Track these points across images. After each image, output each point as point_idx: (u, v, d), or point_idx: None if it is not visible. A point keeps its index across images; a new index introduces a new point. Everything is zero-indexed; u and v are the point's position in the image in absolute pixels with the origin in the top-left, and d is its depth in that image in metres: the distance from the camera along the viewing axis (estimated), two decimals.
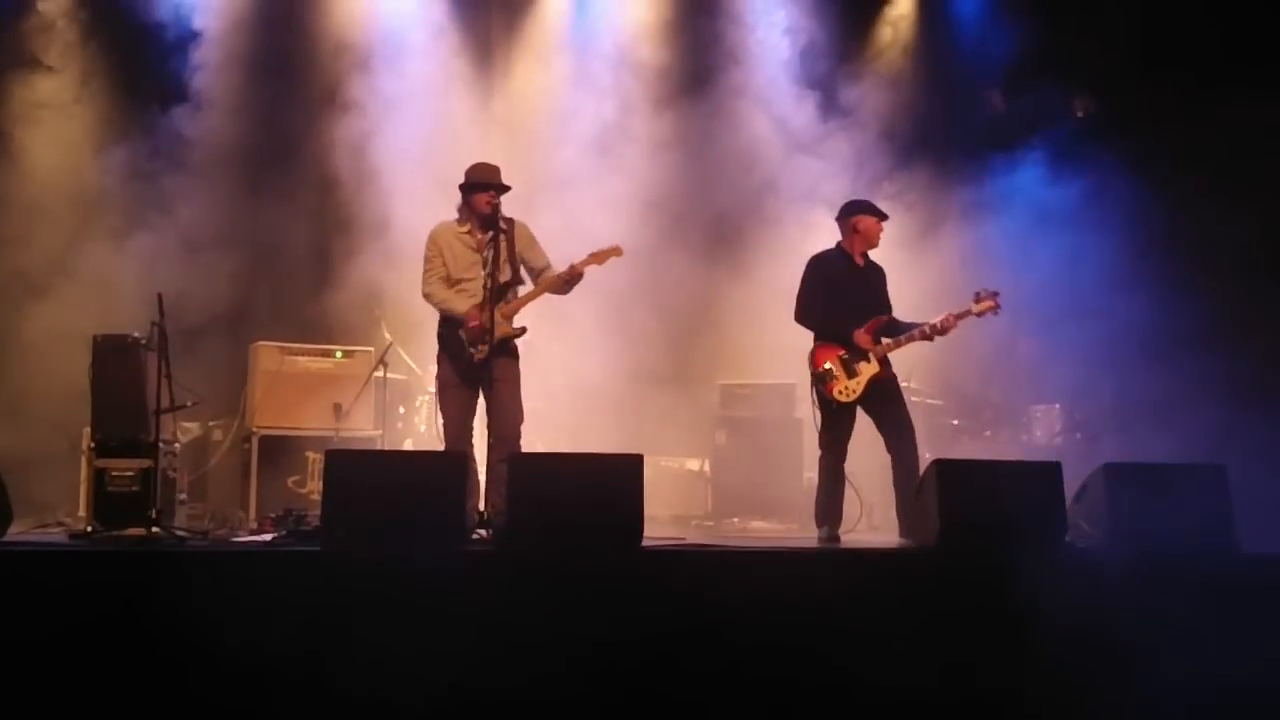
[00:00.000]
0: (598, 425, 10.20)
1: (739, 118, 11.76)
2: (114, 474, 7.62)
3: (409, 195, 10.52)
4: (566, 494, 6.66)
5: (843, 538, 8.18)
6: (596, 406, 10.40)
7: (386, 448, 9.61)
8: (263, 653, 5.89)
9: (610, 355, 10.57)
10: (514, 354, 8.06)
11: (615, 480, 6.75)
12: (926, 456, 8.10)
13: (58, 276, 10.07)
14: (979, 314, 8.30)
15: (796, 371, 10.41)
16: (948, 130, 11.92)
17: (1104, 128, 11.19)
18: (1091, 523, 7.17)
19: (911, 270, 9.70)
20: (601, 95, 11.67)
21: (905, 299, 8.71)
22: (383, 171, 10.81)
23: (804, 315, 8.45)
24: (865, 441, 8.39)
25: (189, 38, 10.86)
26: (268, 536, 7.49)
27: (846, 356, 8.26)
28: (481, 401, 8.08)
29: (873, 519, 8.70)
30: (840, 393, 8.22)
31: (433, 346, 8.26)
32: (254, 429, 9.38)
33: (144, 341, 7.98)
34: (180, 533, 7.50)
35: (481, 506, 7.47)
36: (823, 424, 8.33)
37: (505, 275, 7.99)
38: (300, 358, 9.74)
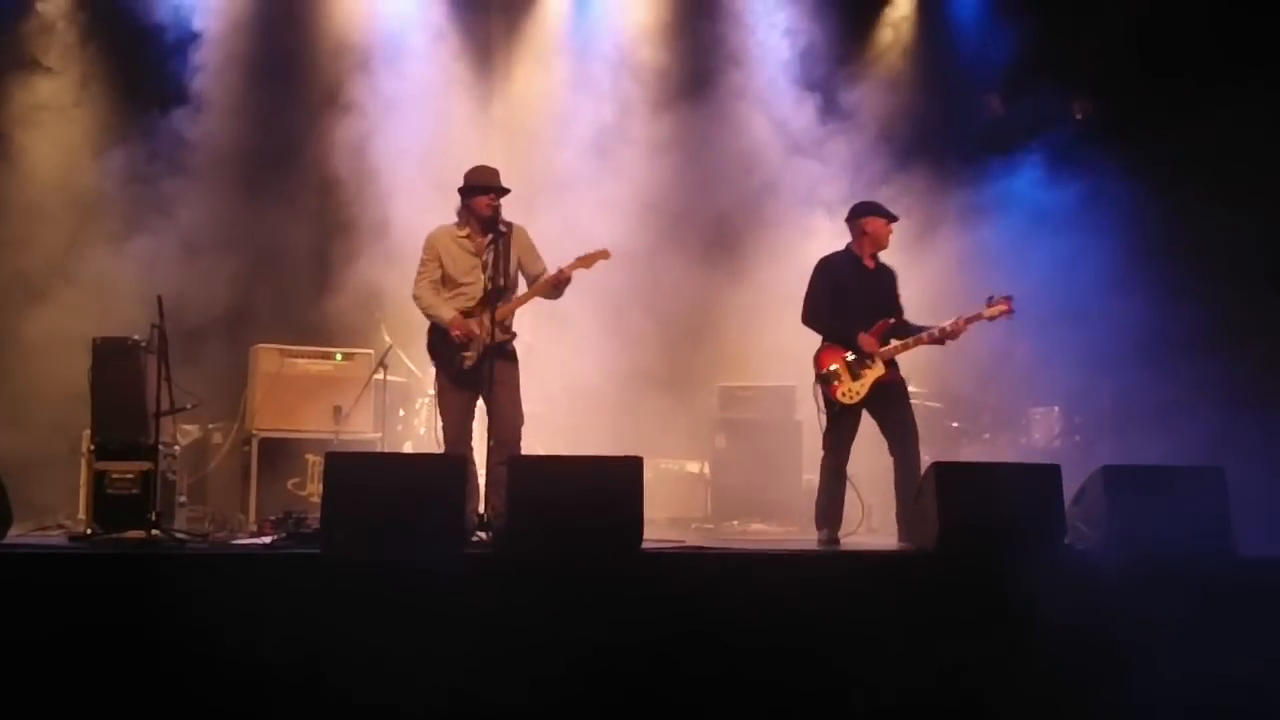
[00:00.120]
0: (597, 428, 10.21)
1: (739, 120, 11.76)
2: (114, 476, 7.61)
3: (409, 197, 10.52)
4: (566, 497, 6.65)
5: (843, 540, 8.19)
6: (596, 409, 10.41)
7: (386, 450, 9.61)
8: (262, 655, 5.90)
9: (610, 357, 10.58)
10: (512, 357, 8.07)
11: (615, 483, 6.75)
12: (925, 459, 8.10)
13: (58, 279, 10.08)
14: (990, 318, 8.29)
15: (796, 374, 10.43)
16: (947, 133, 11.92)
17: (1103, 131, 11.19)
18: (1090, 525, 7.18)
19: (910, 273, 9.66)
20: (601, 97, 11.67)
21: (904, 301, 8.70)
22: (382, 173, 10.81)
23: (811, 317, 8.44)
24: (865, 443, 8.39)
25: (188, 40, 10.85)
26: (267, 539, 7.49)
27: (852, 359, 8.25)
28: (481, 404, 8.09)
29: (871, 521, 8.70)
30: (844, 395, 8.22)
31: None
32: (254, 431, 9.38)
33: (144, 344, 7.98)
34: (180, 535, 7.50)
35: (481, 509, 7.48)
36: (826, 426, 8.32)
37: (504, 279, 8.00)
38: (300, 360, 9.74)
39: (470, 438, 8.04)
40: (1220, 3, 10.53)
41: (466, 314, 7.99)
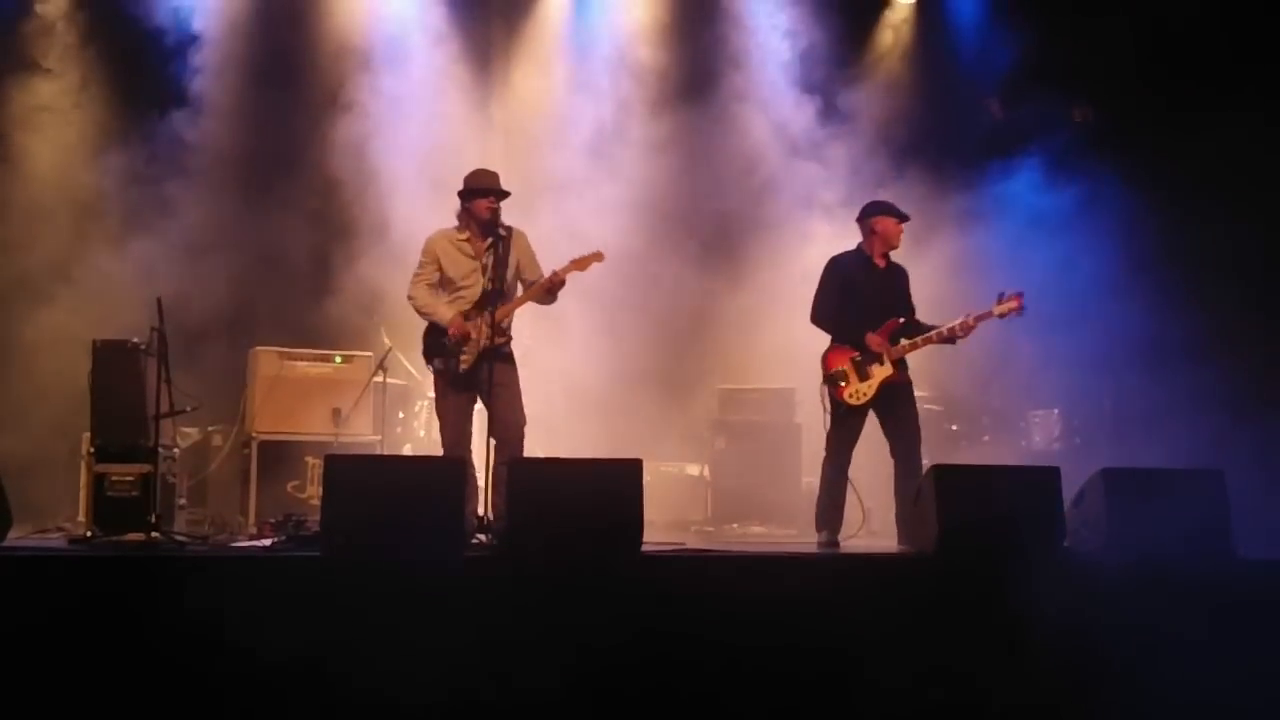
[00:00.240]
0: (597, 430, 10.19)
1: (739, 121, 11.76)
2: (114, 479, 7.61)
3: (408, 199, 10.53)
4: (566, 499, 6.65)
5: (842, 543, 8.18)
6: (596, 411, 10.40)
7: (386, 453, 9.61)
8: (262, 658, 5.89)
9: (609, 359, 10.58)
10: (510, 360, 8.07)
11: (615, 485, 6.75)
12: (925, 462, 8.11)
13: (57, 281, 10.08)
14: (1000, 315, 8.25)
15: (795, 376, 10.46)
16: (946, 136, 11.92)
17: (1101, 136, 11.20)
18: (1090, 527, 7.17)
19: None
20: (601, 99, 11.67)
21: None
22: (382, 175, 10.82)
23: (819, 317, 8.43)
24: (865, 444, 8.38)
25: (188, 42, 10.85)
26: (267, 541, 7.49)
27: (859, 359, 8.23)
28: (481, 407, 8.09)
29: (871, 524, 8.70)
30: (851, 396, 8.20)
31: None
32: (253, 434, 9.38)
33: (144, 347, 7.98)
34: (180, 538, 7.51)
35: (481, 511, 7.48)
36: (831, 426, 8.30)
37: (503, 282, 7.99)
38: (300, 363, 9.74)
39: (469, 441, 8.04)
40: (1219, 10, 10.53)
41: (464, 317, 7.98)
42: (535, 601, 6.25)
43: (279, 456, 9.31)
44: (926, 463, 8.01)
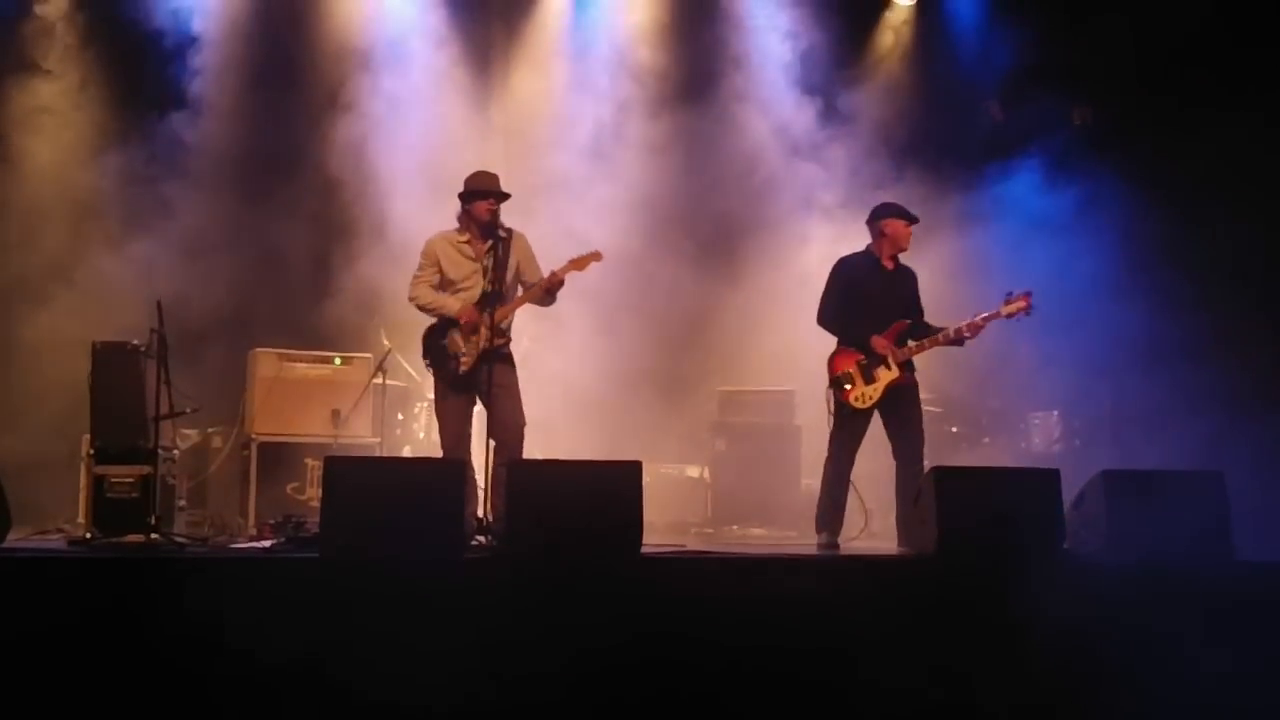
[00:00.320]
0: (596, 432, 10.20)
1: (739, 123, 11.76)
2: (113, 480, 7.61)
3: (408, 200, 10.54)
4: (566, 501, 6.64)
5: (843, 545, 8.17)
6: (595, 413, 10.40)
7: (385, 454, 9.61)
8: (262, 659, 5.89)
9: (609, 361, 10.57)
10: (509, 361, 8.07)
11: (614, 487, 6.74)
12: (925, 464, 8.10)
13: (57, 282, 10.07)
14: (1008, 315, 8.24)
15: (795, 377, 10.48)
16: (946, 138, 11.91)
17: (1101, 137, 11.19)
18: (1090, 529, 7.17)
19: None
20: (600, 100, 11.68)
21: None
22: (382, 176, 10.82)
23: (825, 319, 8.42)
24: (867, 445, 8.36)
25: (187, 43, 10.85)
26: (267, 543, 7.49)
27: (865, 362, 8.21)
28: (480, 409, 8.09)
29: (871, 526, 8.70)
30: (856, 399, 8.18)
31: None
32: (253, 435, 9.38)
33: (144, 349, 7.97)
34: (179, 539, 7.51)
35: (481, 513, 7.48)
36: (834, 428, 8.28)
37: (504, 283, 7.99)
38: (299, 364, 9.74)
39: (469, 442, 8.04)
40: (1219, 9, 10.54)
41: (452, 321, 7.97)
42: (535, 603, 6.25)
43: (279, 458, 9.31)
44: (926, 464, 8.00)
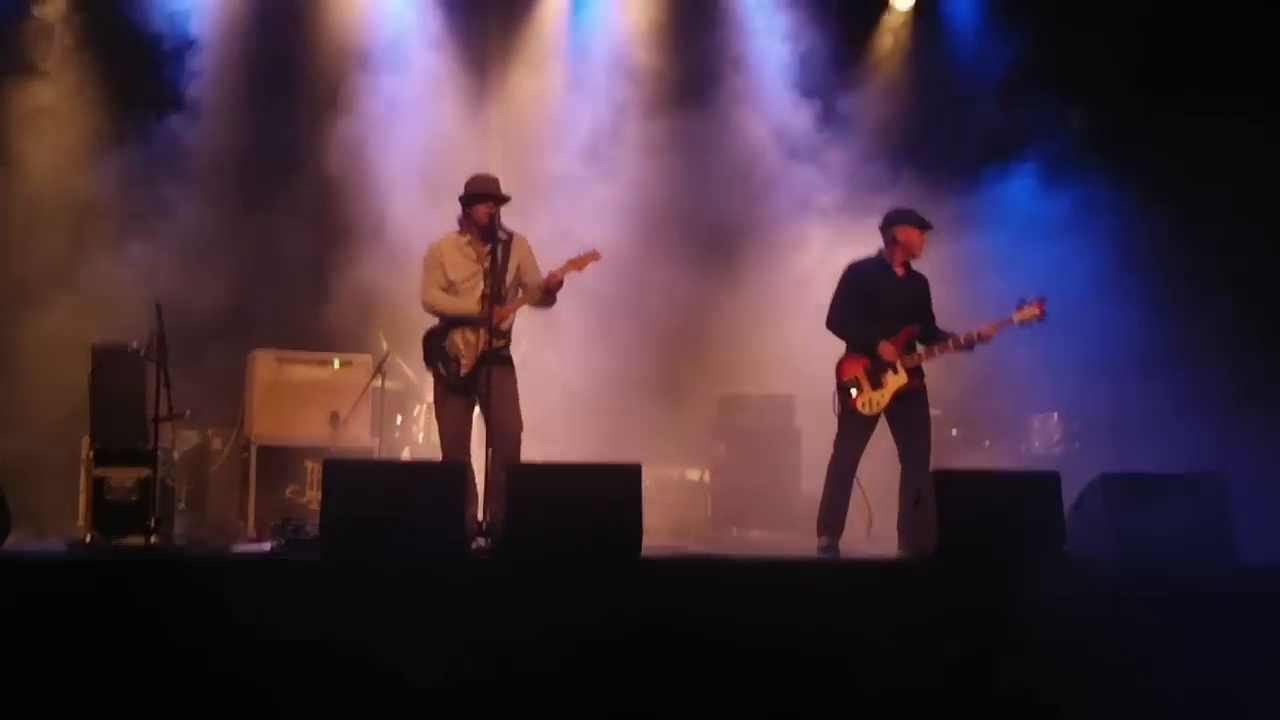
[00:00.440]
0: (596, 435, 10.20)
1: (738, 125, 11.75)
2: (113, 483, 7.63)
3: (406, 203, 10.54)
4: (566, 504, 6.66)
5: (845, 548, 8.16)
6: (595, 416, 10.40)
7: (384, 457, 9.60)
8: (261, 662, 5.90)
9: (608, 364, 10.56)
10: (509, 364, 8.07)
11: (614, 490, 6.75)
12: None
13: (56, 284, 10.05)
14: (1020, 322, 8.20)
15: (794, 380, 10.47)
16: (943, 140, 11.90)
17: (1099, 139, 11.19)
18: (1090, 532, 7.16)
19: None
20: (598, 102, 11.67)
21: None
22: (380, 178, 10.81)
23: (834, 324, 8.39)
24: (872, 449, 8.35)
25: (185, 45, 10.84)
26: (266, 546, 7.49)
27: (872, 368, 8.20)
28: (479, 411, 8.09)
29: (872, 529, 8.69)
30: (863, 405, 8.16)
31: None
32: (252, 438, 9.37)
33: (143, 351, 7.97)
34: (179, 542, 7.51)
35: (480, 516, 7.47)
36: (840, 432, 8.26)
37: (504, 286, 8.00)
38: (298, 366, 9.74)
39: (468, 445, 8.03)
40: (1216, 15, 10.56)
41: (465, 322, 7.97)
42: (535, 606, 6.25)
43: (278, 461, 9.30)
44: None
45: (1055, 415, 10.72)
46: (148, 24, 10.80)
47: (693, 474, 11.11)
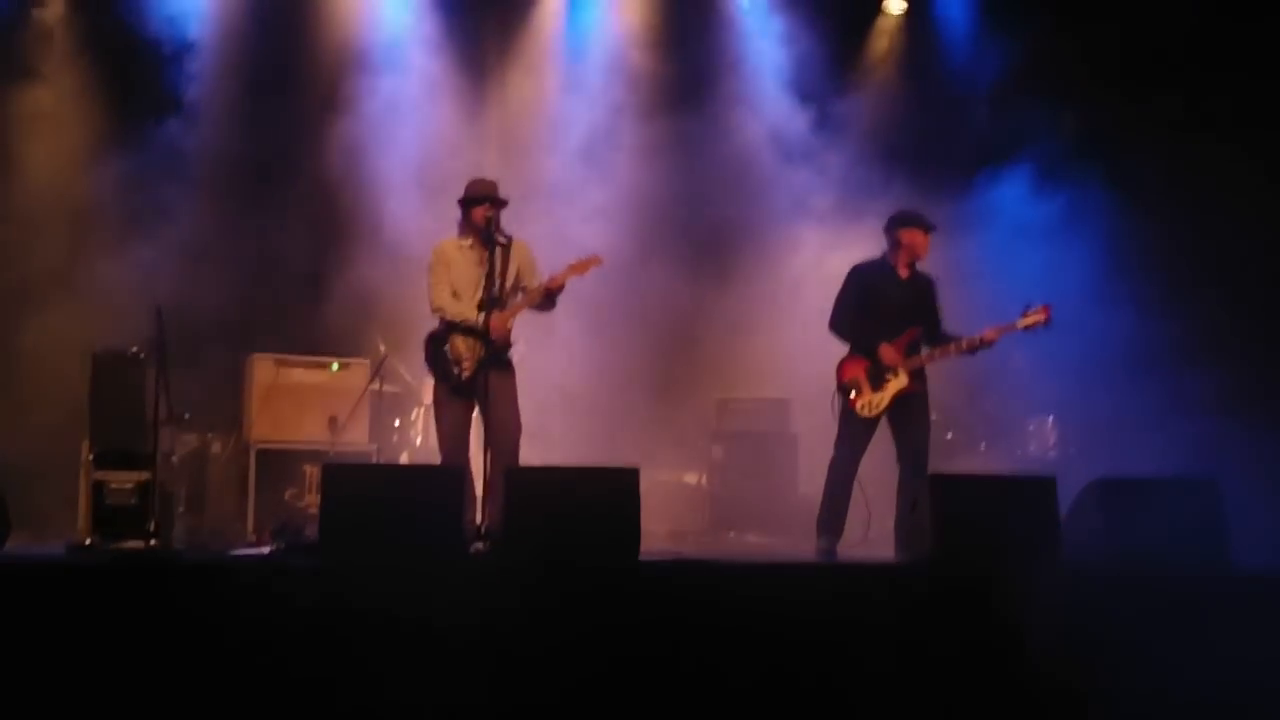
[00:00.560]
0: (593, 439, 10.22)
1: (733, 127, 11.77)
2: (112, 486, 7.64)
3: (403, 205, 10.56)
4: (564, 507, 6.66)
5: (843, 550, 8.18)
6: (591, 420, 10.43)
7: (382, 461, 9.62)
8: (261, 665, 5.91)
9: (605, 367, 10.59)
10: (509, 367, 8.09)
11: (612, 494, 6.75)
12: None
13: (54, 287, 10.04)
14: (1024, 327, 8.22)
15: (790, 383, 10.49)
16: (937, 144, 11.91)
17: (1096, 142, 11.21)
18: (1085, 536, 7.17)
19: None
20: (594, 105, 11.69)
21: None
22: (377, 181, 10.83)
23: (836, 326, 8.41)
24: (872, 451, 8.37)
25: (184, 49, 10.85)
26: (266, 549, 7.50)
27: (873, 370, 8.21)
28: (478, 415, 8.10)
29: (870, 532, 8.71)
30: (863, 407, 8.17)
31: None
32: (251, 442, 9.39)
33: (143, 355, 7.99)
34: (178, 545, 7.53)
35: (479, 520, 7.49)
36: (839, 434, 8.27)
37: (503, 290, 8.01)
38: (296, 370, 9.77)
39: (467, 449, 8.05)
40: (1208, 20, 10.60)
41: (459, 328, 7.99)
42: (533, 610, 6.26)
43: (277, 464, 9.33)
44: None
45: (1051, 419, 10.72)
46: (146, 27, 10.79)
47: (690, 477, 11.14)
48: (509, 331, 8.05)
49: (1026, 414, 10.84)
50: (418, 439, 10.34)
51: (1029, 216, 10.92)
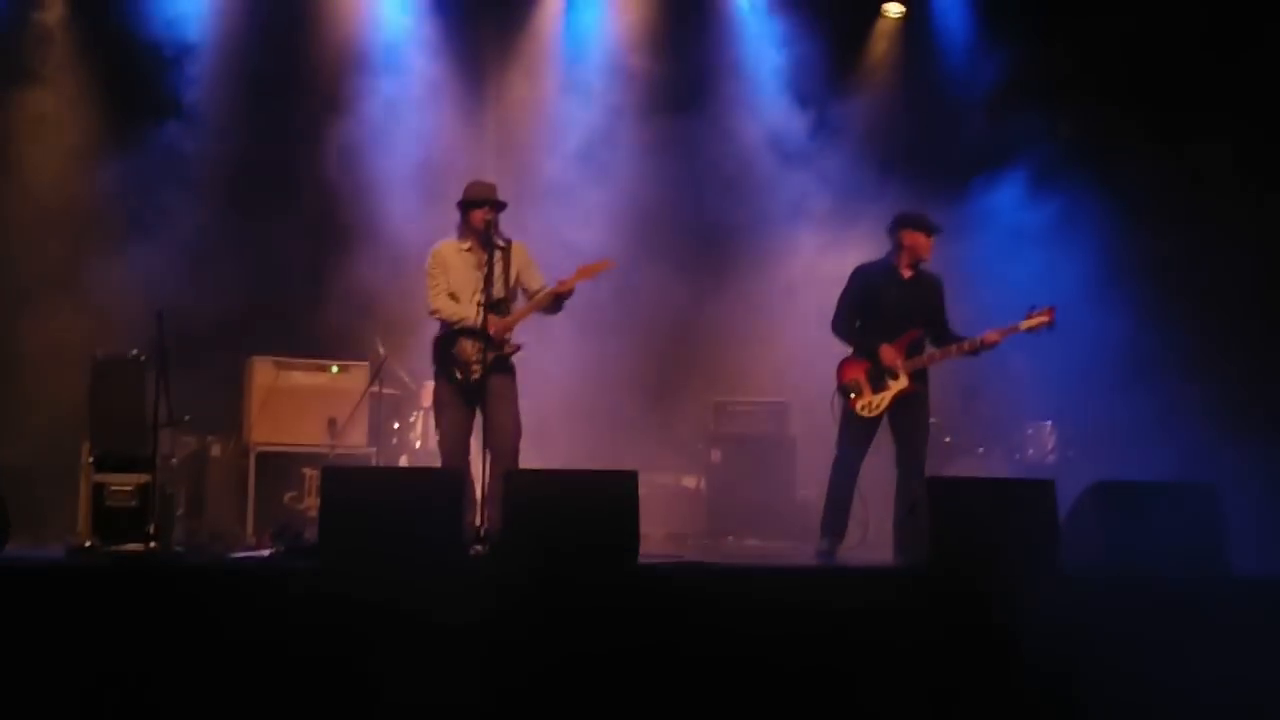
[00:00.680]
0: (591, 441, 10.21)
1: (731, 130, 11.76)
2: (112, 489, 7.64)
3: (402, 208, 10.57)
4: (562, 510, 6.66)
5: (841, 554, 8.18)
6: (589, 422, 10.42)
7: (381, 464, 9.63)
8: (260, 668, 5.92)
9: (603, 370, 10.58)
10: (510, 371, 8.09)
11: (611, 496, 6.76)
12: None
13: (55, 290, 10.04)
14: (1027, 330, 8.22)
15: (789, 386, 10.49)
16: (933, 148, 11.90)
17: (1094, 145, 11.22)
18: (1083, 541, 7.17)
19: None
20: (592, 107, 11.69)
21: None
22: (377, 184, 10.84)
23: (837, 327, 8.41)
24: (873, 453, 8.38)
25: (184, 52, 10.85)
26: (266, 552, 7.51)
27: (873, 371, 8.22)
28: (478, 418, 8.12)
29: (871, 535, 8.72)
30: (863, 408, 8.18)
31: (427, 358, 8.29)
32: (251, 444, 9.40)
33: (143, 359, 8.00)
34: (178, 548, 7.53)
35: (478, 522, 7.50)
36: (840, 435, 8.28)
37: (502, 293, 8.03)
38: (296, 372, 9.77)
39: (468, 452, 8.05)
40: (1203, 28, 10.63)
41: (465, 329, 8.00)
42: (532, 612, 6.26)
43: (277, 467, 9.34)
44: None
45: (1050, 423, 10.72)
46: (147, 30, 10.79)
47: (688, 481, 11.14)
48: (512, 335, 8.06)
49: (1025, 418, 10.85)
50: (417, 442, 10.35)
51: (1024, 221, 10.92)
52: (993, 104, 11.68)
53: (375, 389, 9.73)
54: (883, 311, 8.30)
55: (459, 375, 7.97)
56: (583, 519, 6.66)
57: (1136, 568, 6.77)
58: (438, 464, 8.22)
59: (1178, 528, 6.84)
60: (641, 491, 6.87)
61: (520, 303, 8.19)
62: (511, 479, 6.98)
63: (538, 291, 8.13)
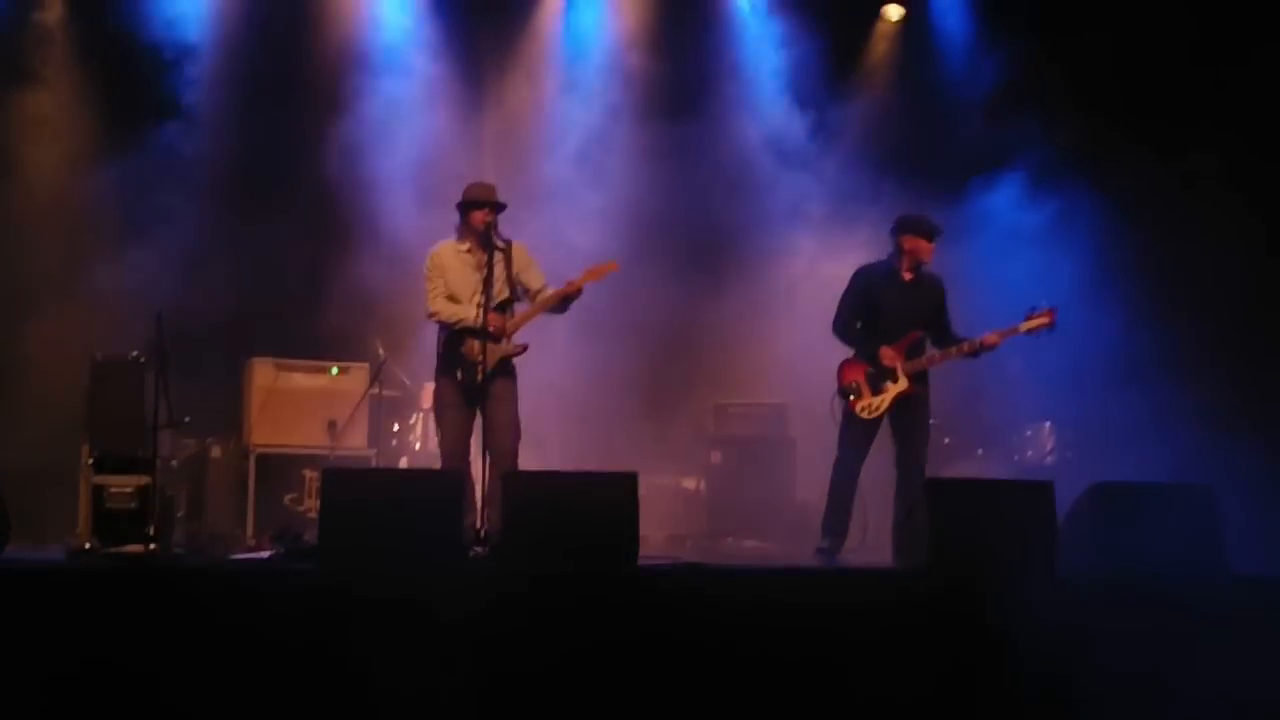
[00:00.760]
0: (590, 443, 10.21)
1: (730, 132, 11.77)
2: (112, 490, 7.64)
3: (401, 209, 10.56)
4: (562, 512, 6.67)
5: (842, 555, 8.19)
6: (589, 424, 10.42)
7: (381, 465, 9.63)
8: (260, 670, 5.92)
9: (603, 373, 10.58)
10: (512, 373, 8.10)
11: (610, 498, 6.77)
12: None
13: (54, 292, 10.04)
14: (1027, 331, 8.24)
15: (788, 388, 10.49)
16: (931, 150, 11.90)
17: (1093, 149, 11.23)
18: (1082, 542, 7.19)
19: None
20: (591, 109, 11.70)
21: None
22: (376, 185, 10.83)
23: (838, 328, 8.42)
24: (873, 455, 8.39)
25: (184, 53, 10.85)
26: (265, 554, 7.51)
27: (873, 373, 8.23)
28: (477, 419, 8.12)
29: (868, 537, 8.72)
30: (863, 410, 8.19)
31: (427, 360, 8.29)
32: (251, 446, 9.40)
33: (143, 360, 8.00)
34: (178, 550, 7.54)
35: (478, 524, 7.51)
36: (841, 436, 8.29)
37: (503, 294, 8.03)
38: (296, 374, 9.77)
39: (468, 454, 8.05)
40: (1198, 31, 10.65)
41: (469, 329, 8.00)
42: (531, 614, 6.27)
43: (276, 468, 9.34)
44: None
45: (1048, 424, 10.73)
46: (146, 31, 10.78)
47: (688, 482, 11.14)
48: (509, 337, 8.07)
49: (1024, 419, 10.86)
50: (417, 443, 10.35)
51: (1021, 224, 10.93)
52: (991, 106, 11.69)
53: (375, 391, 9.73)
54: (883, 313, 8.30)
55: (463, 375, 7.96)
56: (582, 520, 6.66)
57: (1135, 568, 6.78)
58: (437, 466, 8.22)
59: (1176, 529, 6.86)
60: (641, 493, 6.88)
61: (525, 304, 8.19)
62: (511, 480, 6.99)
63: (538, 291, 8.13)
